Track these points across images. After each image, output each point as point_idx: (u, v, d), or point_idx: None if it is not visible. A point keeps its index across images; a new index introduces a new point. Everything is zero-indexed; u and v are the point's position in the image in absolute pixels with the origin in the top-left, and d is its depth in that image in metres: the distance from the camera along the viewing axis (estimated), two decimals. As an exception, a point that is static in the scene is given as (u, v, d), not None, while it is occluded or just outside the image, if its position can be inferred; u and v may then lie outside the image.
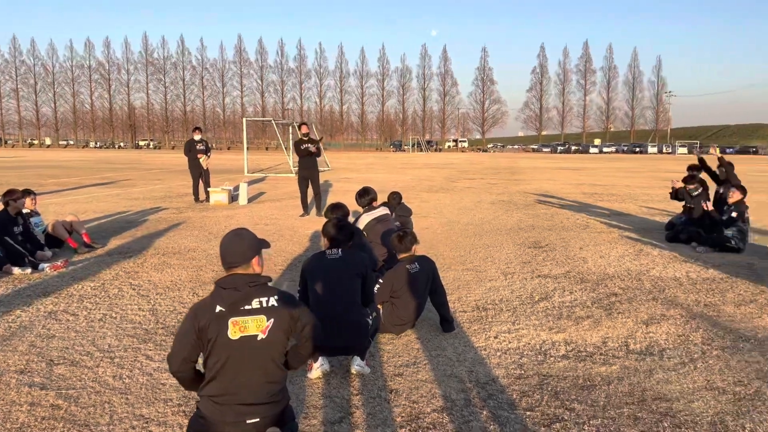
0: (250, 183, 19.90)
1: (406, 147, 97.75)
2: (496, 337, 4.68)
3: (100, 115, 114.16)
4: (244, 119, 29.62)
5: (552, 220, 11.51)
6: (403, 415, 3.35)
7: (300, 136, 11.88)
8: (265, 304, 2.60)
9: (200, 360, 2.62)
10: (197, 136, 14.38)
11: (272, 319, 2.58)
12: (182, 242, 8.73)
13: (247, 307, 2.56)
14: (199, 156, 14.28)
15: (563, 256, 7.88)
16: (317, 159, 12.09)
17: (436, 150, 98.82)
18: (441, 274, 5.07)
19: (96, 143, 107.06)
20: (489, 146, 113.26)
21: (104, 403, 3.46)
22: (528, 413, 3.36)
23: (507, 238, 9.31)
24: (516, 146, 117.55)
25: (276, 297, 2.64)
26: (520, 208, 13.42)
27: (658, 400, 3.53)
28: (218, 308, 2.54)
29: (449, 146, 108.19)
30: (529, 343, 4.54)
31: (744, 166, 33.69)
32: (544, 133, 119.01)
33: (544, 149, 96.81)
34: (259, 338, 2.55)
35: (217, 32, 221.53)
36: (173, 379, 3.81)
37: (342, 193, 16.55)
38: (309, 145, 11.61)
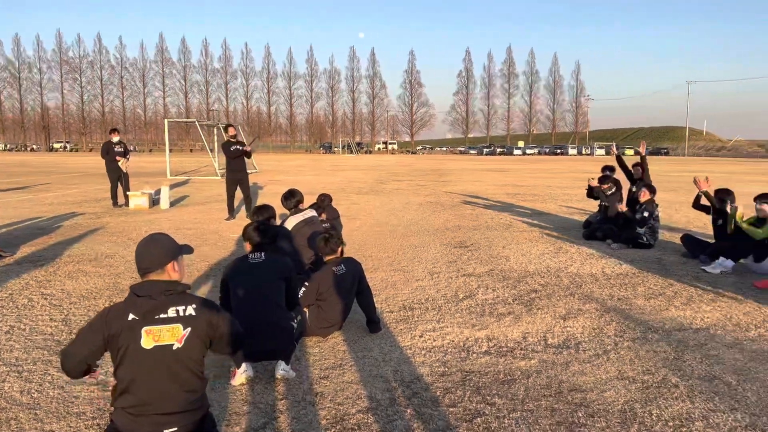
0: (173, 186, 19.29)
1: (336, 149, 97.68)
2: (421, 336, 4.75)
3: (10, 116, 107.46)
4: (166, 120, 28.66)
5: (477, 220, 11.80)
6: (328, 417, 3.35)
7: (227, 138, 11.63)
8: (182, 313, 2.52)
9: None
10: (115, 138, 13.81)
11: (189, 328, 2.50)
12: (99, 249, 8.35)
13: (162, 315, 2.47)
14: (117, 159, 13.71)
15: (487, 255, 8.09)
16: (245, 161, 11.88)
17: (366, 152, 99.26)
18: (369, 275, 5.10)
19: (6, 146, 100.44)
20: (418, 148, 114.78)
21: (10, 420, 3.26)
22: (451, 410, 3.43)
23: (434, 239, 9.46)
24: (444, 148, 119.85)
25: (194, 306, 2.56)
26: (447, 209, 13.67)
27: (574, 391, 3.68)
28: (131, 316, 2.44)
29: (379, 148, 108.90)
30: (452, 341, 4.63)
31: (656, 167, 35.71)
32: (470, 135, 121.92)
33: (471, 151, 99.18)
34: (174, 347, 2.47)
35: (136, 31, 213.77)
36: (87, 391, 3.65)
37: (271, 195, 16.32)
38: (238, 146, 11.41)
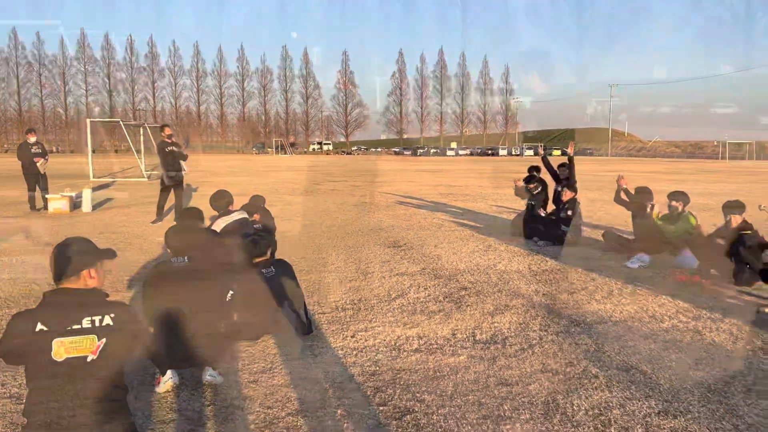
0: (96, 188, 18.51)
1: (269, 149, 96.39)
2: (353, 336, 4.75)
3: None
4: (88, 120, 27.42)
5: (410, 220, 11.92)
6: (257, 422, 3.30)
7: (163, 138, 11.26)
8: (98, 324, 2.41)
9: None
10: (32, 139, 13.13)
11: (104, 339, 2.40)
12: (14, 255, 7.90)
13: (75, 326, 2.36)
14: (36, 160, 13.02)
15: (419, 254, 8.19)
16: (181, 163, 11.56)
17: (300, 152, 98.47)
18: (302, 277, 5.05)
19: None
20: (353, 149, 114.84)
21: None
22: (381, 408, 3.45)
23: (368, 239, 9.49)
24: (379, 149, 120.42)
25: (112, 315, 2.46)
26: (381, 209, 13.75)
27: (500, 385, 3.78)
28: (39, 326, 2.31)
29: (314, 149, 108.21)
30: (384, 340, 4.66)
31: (581, 166, 37.10)
32: (405, 136, 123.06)
33: (406, 152, 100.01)
34: (88, 359, 2.36)
35: (56, 26, 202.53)
36: (-3, 406, 3.45)
37: (201, 197, 15.91)
38: (174, 147, 11.09)
